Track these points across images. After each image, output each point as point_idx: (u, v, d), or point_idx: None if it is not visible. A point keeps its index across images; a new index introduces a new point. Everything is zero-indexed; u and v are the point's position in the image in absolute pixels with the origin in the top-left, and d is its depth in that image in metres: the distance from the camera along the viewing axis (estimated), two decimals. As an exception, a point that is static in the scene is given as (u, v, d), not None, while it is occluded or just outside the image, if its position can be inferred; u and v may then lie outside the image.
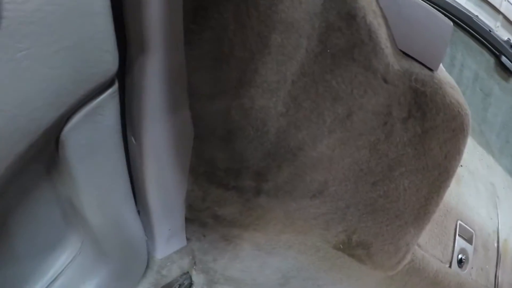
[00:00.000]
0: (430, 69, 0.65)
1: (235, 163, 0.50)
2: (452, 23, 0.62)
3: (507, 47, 1.66)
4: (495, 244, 1.43)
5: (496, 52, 1.62)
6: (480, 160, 1.62)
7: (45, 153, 0.39)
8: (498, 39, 1.61)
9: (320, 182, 0.57)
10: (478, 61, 1.61)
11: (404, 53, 0.63)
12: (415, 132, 0.64)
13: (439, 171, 0.68)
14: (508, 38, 1.69)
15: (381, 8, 0.59)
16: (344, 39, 0.54)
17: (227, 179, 0.53)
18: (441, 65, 0.78)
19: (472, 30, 1.62)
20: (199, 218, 0.61)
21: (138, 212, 0.58)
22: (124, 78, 0.47)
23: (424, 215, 0.72)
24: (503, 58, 1.62)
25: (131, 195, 0.53)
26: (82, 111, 0.37)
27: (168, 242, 0.65)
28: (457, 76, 1.57)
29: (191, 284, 0.79)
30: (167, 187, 0.55)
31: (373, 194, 0.63)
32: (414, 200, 0.69)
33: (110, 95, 0.40)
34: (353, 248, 0.70)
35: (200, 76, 0.46)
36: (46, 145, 0.37)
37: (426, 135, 0.64)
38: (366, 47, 0.55)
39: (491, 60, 1.65)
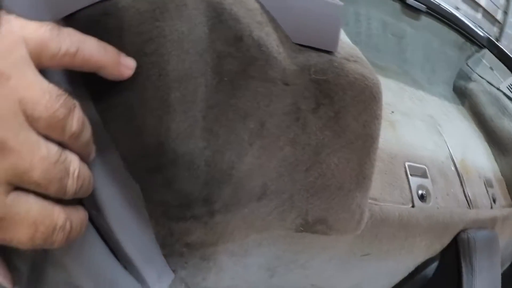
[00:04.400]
0: (330, 52, 0.70)
1: (183, 199, 0.61)
2: (341, 3, 0.67)
3: (410, -13, 1.80)
4: (452, 168, 1.53)
5: (399, -5, 1.75)
6: (410, 98, 1.72)
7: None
8: (398, -19, 1.74)
9: (260, 186, 0.69)
10: (383, 9, 1.75)
11: (300, 45, 0.69)
12: (329, 117, 0.72)
13: (362, 140, 0.77)
14: (409, -22, 1.84)
15: (267, 12, 0.64)
16: (237, 62, 0.60)
17: (182, 212, 0.63)
18: (345, 39, 0.85)
19: (369, -19, 1.72)
20: (175, 251, 0.71)
21: (125, 267, 0.69)
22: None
23: (363, 179, 0.82)
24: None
25: (113, 256, 0.65)
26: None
27: (160, 281, 0.77)
28: (366, 30, 1.69)
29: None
30: (136, 236, 0.66)
31: (310, 178, 0.75)
32: (348, 170, 0.79)
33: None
34: (312, 226, 0.82)
35: (128, 150, 0.58)
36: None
37: (339, 115, 0.72)
38: (259, 62, 0.61)
39: (396, 4, 1.79)
